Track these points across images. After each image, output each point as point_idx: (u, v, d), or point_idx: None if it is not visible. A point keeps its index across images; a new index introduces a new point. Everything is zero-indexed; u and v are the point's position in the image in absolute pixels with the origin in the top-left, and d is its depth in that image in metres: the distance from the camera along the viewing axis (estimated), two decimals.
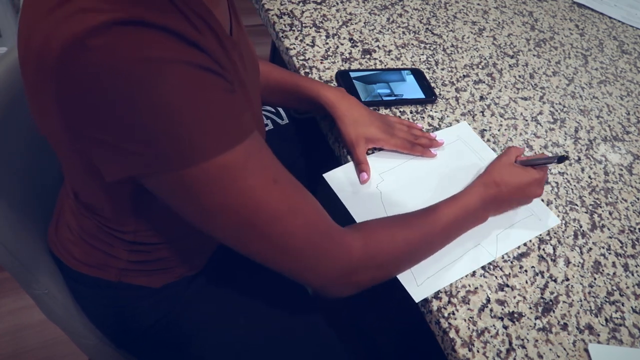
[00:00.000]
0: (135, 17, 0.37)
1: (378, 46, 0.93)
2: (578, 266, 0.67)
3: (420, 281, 0.60)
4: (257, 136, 0.46)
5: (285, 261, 0.50)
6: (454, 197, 0.63)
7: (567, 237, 0.70)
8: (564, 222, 0.72)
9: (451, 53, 0.97)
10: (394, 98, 0.81)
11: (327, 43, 0.90)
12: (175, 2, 0.41)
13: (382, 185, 0.69)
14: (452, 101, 0.86)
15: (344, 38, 0.92)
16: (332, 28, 0.94)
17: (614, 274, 0.67)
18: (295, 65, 0.85)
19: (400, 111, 0.82)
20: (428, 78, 0.89)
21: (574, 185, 0.78)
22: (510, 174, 0.65)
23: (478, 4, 1.15)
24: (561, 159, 0.64)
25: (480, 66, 0.96)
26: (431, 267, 0.61)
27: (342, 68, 0.86)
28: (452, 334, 0.56)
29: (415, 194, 0.69)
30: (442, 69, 0.93)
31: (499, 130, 0.84)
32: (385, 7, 1.04)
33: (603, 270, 0.67)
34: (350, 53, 0.89)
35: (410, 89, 0.84)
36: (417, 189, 0.70)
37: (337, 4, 1.01)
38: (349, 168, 0.71)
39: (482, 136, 0.82)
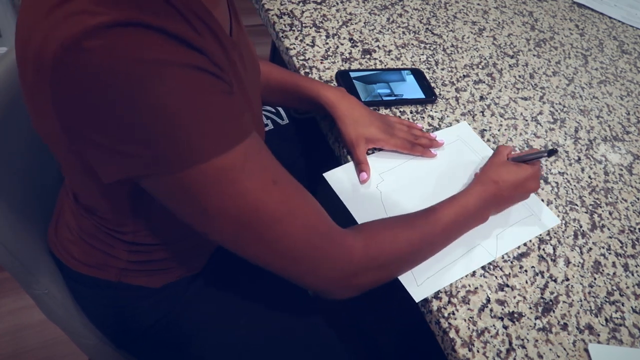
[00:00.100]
0: (133, 19, 0.37)
1: (378, 46, 0.93)
2: (578, 266, 0.67)
3: (421, 281, 0.60)
4: (256, 137, 0.46)
5: (285, 264, 0.50)
6: (453, 197, 0.63)
7: (567, 237, 0.70)
8: (564, 222, 0.72)
9: (451, 53, 0.97)
10: (394, 98, 0.81)
11: (327, 43, 0.90)
12: (174, 4, 0.41)
13: (382, 185, 0.69)
14: (452, 101, 0.86)
15: (344, 38, 0.92)
16: (332, 28, 0.94)
17: (614, 274, 0.67)
18: (295, 65, 0.85)
19: (400, 111, 0.82)
20: (428, 78, 0.89)
21: (574, 185, 0.78)
22: (506, 172, 0.66)
23: (478, 4, 1.15)
24: (551, 152, 0.65)
25: (480, 66, 0.96)
26: (431, 267, 0.61)
27: (342, 68, 0.86)
28: (452, 334, 0.56)
29: (415, 194, 0.69)
30: (442, 69, 0.93)
31: (499, 130, 0.84)
32: (385, 7, 1.04)
33: (603, 270, 0.67)
34: (350, 53, 0.89)
35: (410, 89, 0.84)
36: (417, 189, 0.70)
37: (337, 4, 1.01)
38: (349, 168, 0.71)
39: (482, 136, 0.82)
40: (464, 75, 0.93)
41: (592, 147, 0.86)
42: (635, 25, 1.26)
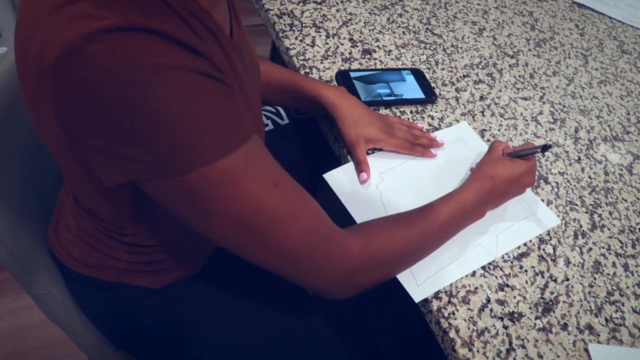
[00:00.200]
0: (135, 23, 0.37)
1: (378, 46, 0.93)
2: (578, 266, 0.67)
3: (420, 281, 0.60)
4: (256, 140, 0.46)
5: (286, 265, 0.50)
6: (450, 194, 0.63)
7: (567, 237, 0.70)
8: (564, 222, 0.72)
9: (451, 53, 0.97)
10: (394, 98, 0.81)
11: (327, 43, 0.90)
12: (174, 7, 0.41)
13: (382, 186, 0.69)
14: (452, 101, 0.86)
15: (344, 38, 0.92)
16: (332, 28, 0.94)
17: (614, 274, 0.67)
18: (295, 65, 0.85)
19: (400, 111, 0.82)
20: (428, 78, 0.89)
21: (574, 185, 0.78)
22: (502, 167, 0.66)
23: (478, 4, 1.15)
24: (545, 148, 0.65)
25: (480, 66, 0.96)
26: (431, 267, 0.61)
27: (342, 68, 0.86)
28: (452, 334, 0.56)
29: (415, 194, 0.69)
30: (442, 69, 0.93)
31: (499, 130, 0.84)
32: (385, 7, 1.04)
33: (603, 270, 0.67)
34: (350, 53, 0.89)
35: (410, 89, 0.84)
36: (417, 189, 0.70)
37: (337, 4, 1.01)
38: (349, 168, 0.71)
39: (482, 136, 0.82)
40: (464, 75, 0.93)
41: (592, 147, 0.86)
42: (635, 25, 1.26)
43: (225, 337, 0.67)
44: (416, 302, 0.59)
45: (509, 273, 0.64)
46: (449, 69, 0.93)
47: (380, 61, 0.90)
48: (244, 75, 0.54)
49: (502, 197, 0.68)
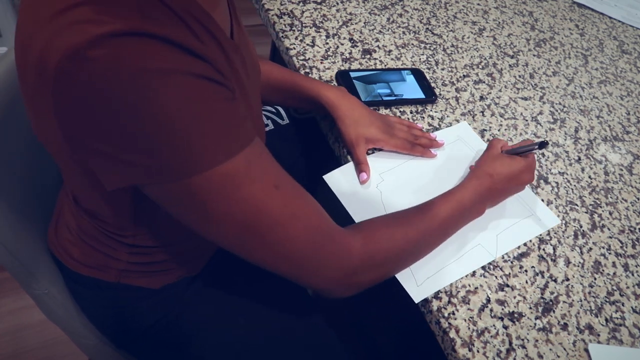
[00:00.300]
0: (137, 28, 0.37)
1: (378, 46, 0.93)
2: (578, 266, 0.67)
3: (420, 281, 0.60)
4: (257, 142, 0.46)
5: (288, 266, 0.50)
6: (449, 192, 0.63)
7: (567, 237, 0.70)
8: (564, 222, 0.72)
9: (451, 53, 0.97)
10: (394, 98, 0.81)
11: (327, 43, 0.90)
12: (174, 10, 0.41)
13: (382, 186, 0.69)
14: (452, 101, 0.86)
15: (344, 38, 0.92)
16: (332, 28, 0.94)
17: (614, 274, 0.67)
18: (295, 65, 0.85)
19: (400, 111, 0.82)
20: (428, 78, 0.89)
21: (574, 185, 0.78)
22: (501, 165, 0.66)
23: (478, 4, 1.15)
24: (542, 144, 0.65)
25: (480, 66, 0.96)
26: (431, 267, 0.61)
27: (342, 68, 0.86)
28: (452, 334, 0.56)
29: (415, 194, 0.69)
30: (442, 69, 0.93)
31: (499, 130, 0.84)
32: (385, 7, 1.04)
33: (603, 270, 0.67)
34: (350, 53, 0.89)
35: (410, 89, 0.84)
36: (417, 189, 0.70)
37: (337, 4, 1.01)
38: (348, 168, 0.71)
39: (482, 136, 0.82)
40: (464, 75, 0.93)
41: (592, 147, 0.86)
42: (635, 25, 1.26)
43: (225, 337, 0.67)
44: (416, 302, 0.59)
45: (509, 273, 0.64)
46: (449, 69, 0.93)
47: (380, 61, 0.90)
48: (245, 76, 0.54)
49: (501, 195, 0.68)
